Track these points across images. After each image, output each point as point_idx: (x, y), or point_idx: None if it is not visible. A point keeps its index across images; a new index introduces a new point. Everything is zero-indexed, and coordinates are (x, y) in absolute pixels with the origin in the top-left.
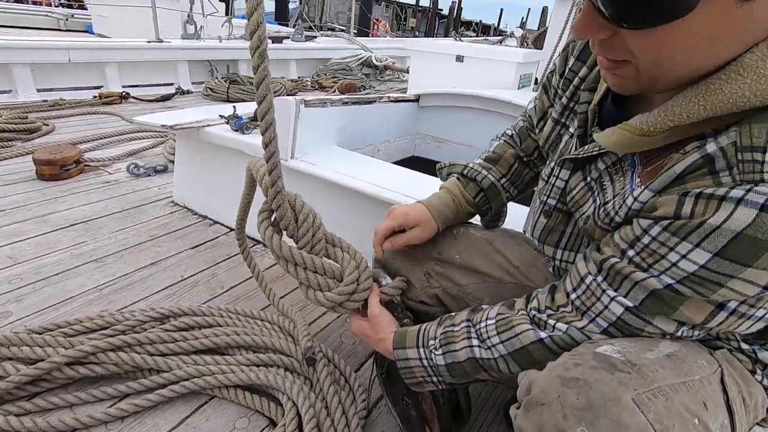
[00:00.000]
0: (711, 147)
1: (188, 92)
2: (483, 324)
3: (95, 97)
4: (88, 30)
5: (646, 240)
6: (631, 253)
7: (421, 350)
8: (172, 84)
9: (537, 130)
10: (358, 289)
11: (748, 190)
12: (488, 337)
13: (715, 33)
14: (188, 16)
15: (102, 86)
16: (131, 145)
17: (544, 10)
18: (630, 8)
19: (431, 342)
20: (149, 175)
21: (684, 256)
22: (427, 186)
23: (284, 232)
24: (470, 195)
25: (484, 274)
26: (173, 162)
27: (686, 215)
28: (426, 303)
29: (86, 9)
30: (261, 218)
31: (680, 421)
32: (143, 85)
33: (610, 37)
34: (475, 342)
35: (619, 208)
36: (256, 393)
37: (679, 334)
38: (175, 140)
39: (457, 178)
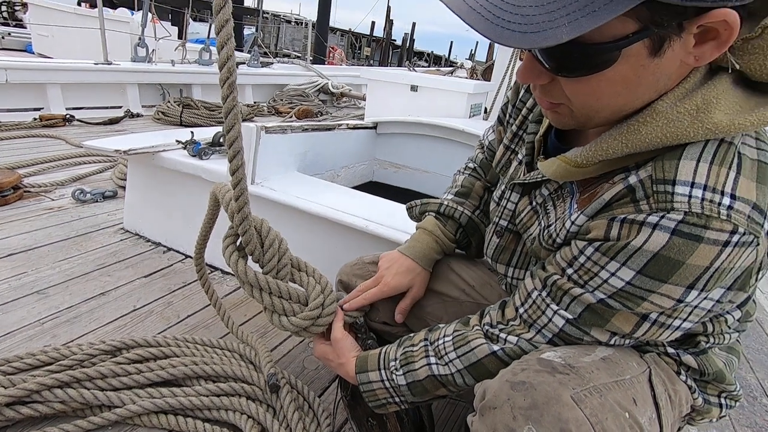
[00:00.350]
0: (632, 179)
1: (138, 115)
2: (440, 341)
3: (35, 119)
4: (27, 49)
5: (581, 259)
6: (570, 271)
7: (383, 372)
8: (120, 107)
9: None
10: (323, 314)
11: (662, 217)
12: (446, 353)
13: (633, 81)
14: (139, 38)
15: (43, 108)
16: (77, 169)
17: (491, 45)
18: (565, 62)
19: (392, 363)
20: (97, 201)
21: (613, 274)
22: (384, 210)
23: (249, 257)
24: (451, 233)
25: (443, 294)
26: (124, 187)
27: (614, 237)
28: (388, 324)
29: (25, 28)
30: (226, 243)
31: (612, 415)
32: (89, 108)
33: (548, 83)
34: (433, 359)
35: (560, 230)
36: (218, 424)
37: (611, 342)
38: (126, 165)
39: (435, 217)
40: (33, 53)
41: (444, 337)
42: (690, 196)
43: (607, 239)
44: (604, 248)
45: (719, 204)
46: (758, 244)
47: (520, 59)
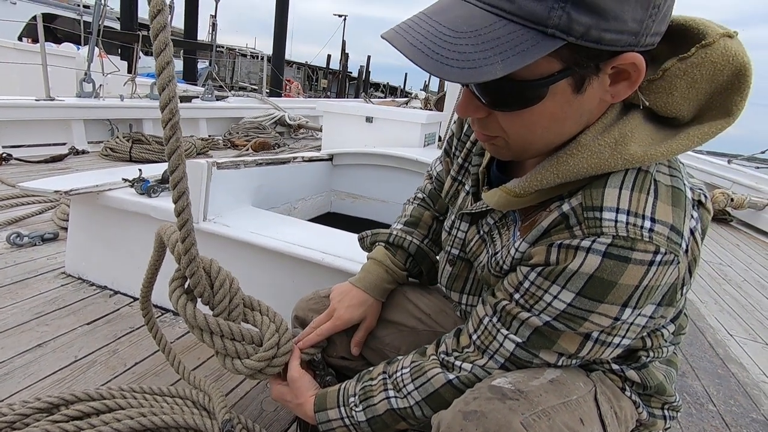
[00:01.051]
0: (566, 207)
1: (84, 152)
2: (399, 374)
3: None
4: None
5: (526, 284)
6: (516, 296)
7: (342, 409)
8: (64, 144)
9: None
10: (279, 353)
11: (593, 241)
12: (404, 386)
13: (560, 116)
14: (85, 74)
15: None
16: (13, 212)
17: None
18: (500, 96)
19: (351, 399)
20: (35, 245)
21: (555, 296)
22: (342, 241)
23: (199, 300)
24: (401, 262)
25: (399, 324)
26: (66, 229)
27: (553, 262)
28: (346, 358)
29: None
30: (173, 286)
31: None
32: (29, 146)
33: (486, 117)
34: (392, 393)
35: (506, 257)
36: None
37: (559, 363)
38: (68, 205)
39: (385, 247)
40: None
41: (402, 369)
42: (616, 221)
43: (547, 264)
44: (546, 273)
45: (641, 227)
46: (679, 262)
47: None
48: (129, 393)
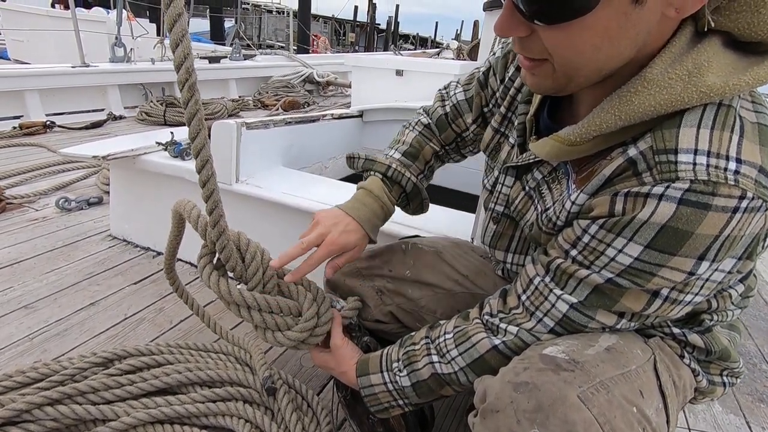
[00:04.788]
0: (632, 152)
1: (121, 117)
2: (441, 339)
3: (15, 128)
4: (2, 56)
5: (586, 239)
6: (573, 252)
7: (386, 374)
8: (102, 110)
9: (471, 125)
10: (320, 323)
11: (667, 187)
12: (447, 351)
13: (614, 33)
14: (116, 38)
15: (22, 116)
16: (60, 177)
17: (476, 23)
18: (542, 6)
19: (395, 365)
20: (82, 209)
21: (620, 251)
22: None
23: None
24: (395, 197)
25: (435, 286)
26: (108, 193)
27: (619, 213)
28: (382, 321)
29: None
30: (203, 263)
31: (621, 412)
32: (70, 113)
33: (528, 36)
34: (436, 358)
35: (560, 212)
36: (215, 430)
37: (619, 326)
38: (109, 170)
39: (382, 180)
40: (9, 59)
41: (445, 334)
42: (694, 164)
43: (611, 215)
44: (609, 225)
45: (725, 169)
46: (767, 209)
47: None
48: (176, 349)
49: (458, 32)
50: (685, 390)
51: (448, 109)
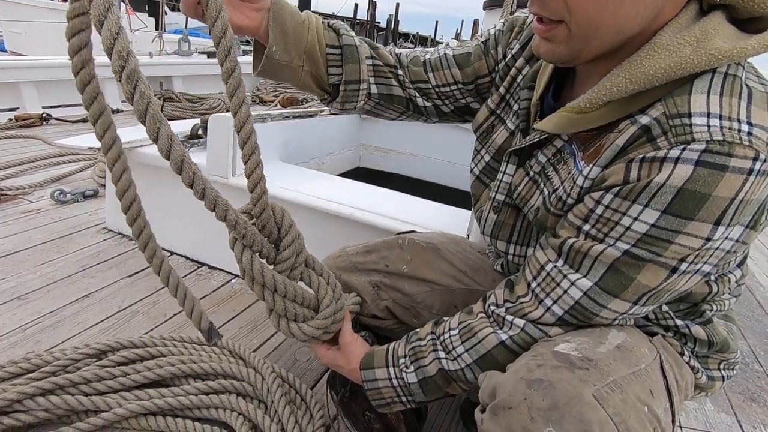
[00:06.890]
0: (644, 119)
1: (118, 111)
2: (447, 335)
3: (11, 120)
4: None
5: (599, 210)
6: (586, 227)
7: (392, 370)
8: None
9: (457, 84)
10: (335, 319)
11: (684, 149)
12: (453, 348)
13: None
14: None
15: (18, 108)
16: (55, 170)
17: (476, 22)
18: None
19: (401, 360)
20: (77, 201)
21: (636, 218)
22: (371, 196)
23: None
24: (325, 42)
25: (432, 282)
26: (104, 186)
27: (634, 179)
28: (378, 317)
29: None
30: (235, 242)
31: (634, 412)
32: (67, 105)
33: None
34: (442, 354)
35: (571, 189)
36: (208, 423)
37: (631, 312)
38: (105, 163)
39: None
40: (6, 51)
41: (450, 330)
42: (709, 126)
43: (626, 182)
44: (624, 192)
45: (739, 130)
46: None
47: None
48: (169, 341)
49: (458, 31)
50: (686, 389)
51: (429, 56)
